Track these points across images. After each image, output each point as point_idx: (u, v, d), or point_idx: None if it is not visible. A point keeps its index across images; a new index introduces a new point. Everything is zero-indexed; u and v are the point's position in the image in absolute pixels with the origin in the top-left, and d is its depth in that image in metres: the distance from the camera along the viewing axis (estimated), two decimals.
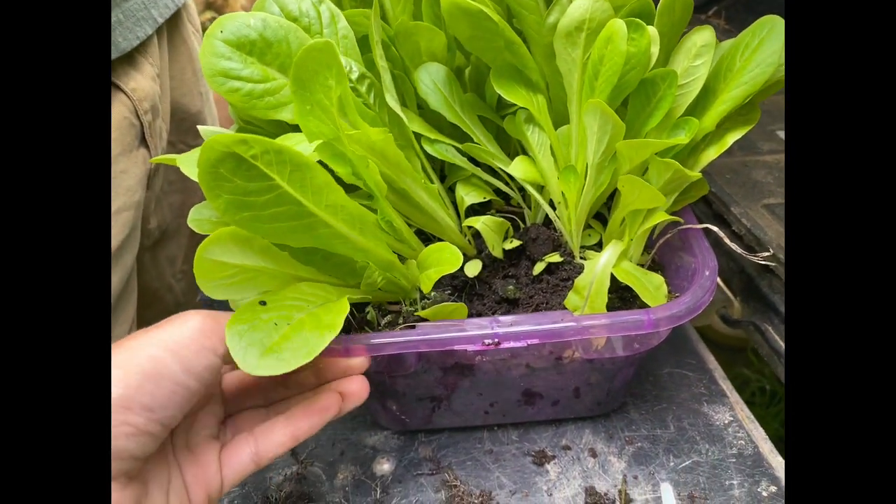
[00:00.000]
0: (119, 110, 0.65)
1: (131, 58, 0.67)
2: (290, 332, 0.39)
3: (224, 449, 0.44)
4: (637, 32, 0.45)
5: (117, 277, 0.65)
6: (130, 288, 0.70)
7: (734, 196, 0.77)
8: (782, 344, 0.65)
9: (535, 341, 0.45)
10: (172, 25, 0.76)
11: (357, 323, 0.51)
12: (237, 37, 0.45)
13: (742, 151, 0.90)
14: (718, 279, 0.75)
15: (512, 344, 0.44)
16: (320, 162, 0.43)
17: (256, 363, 0.36)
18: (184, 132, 0.82)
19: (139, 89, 0.67)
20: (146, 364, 0.36)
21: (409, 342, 0.45)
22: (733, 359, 1.42)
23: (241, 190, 0.37)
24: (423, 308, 0.50)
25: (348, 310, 0.42)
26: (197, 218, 0.47)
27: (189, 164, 0.44)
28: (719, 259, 0.77)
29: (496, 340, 0.44)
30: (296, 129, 0.48)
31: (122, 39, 0.64)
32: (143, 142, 0.69)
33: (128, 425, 0.35)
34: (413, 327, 0.46)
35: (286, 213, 0.39)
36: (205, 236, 0.41)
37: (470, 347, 0.45)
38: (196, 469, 0.42)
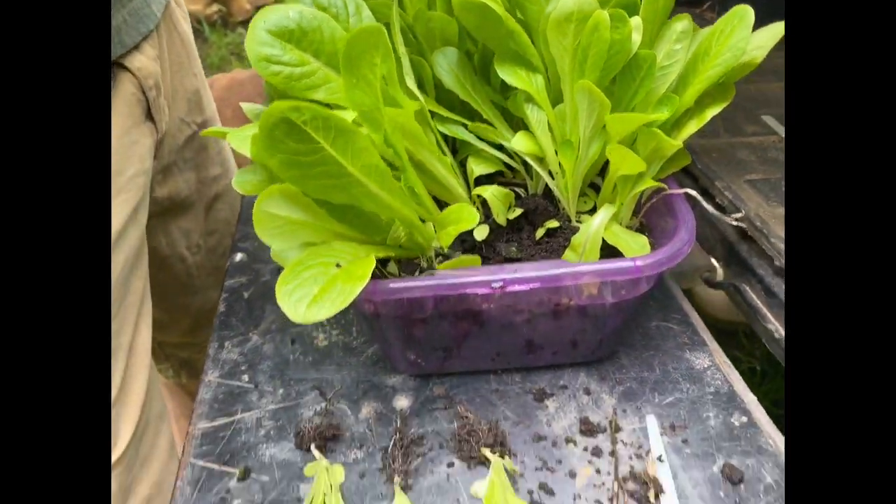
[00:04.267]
0: (126, 87, 0.72)
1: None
2: (328, 285, 0.47)
3: None
4: (620, 22, 0.52)
5: (136, 234, 0.73)
6: (143, 247, 0.77)
7: (719, 172, 0.84)
8: (758, 301, 0.72)
9: (537, 285, 0.52)
10: (165, 14, 0.82)
11: (381, 276, 0.59)
12: (278, 27, 0.52)
13: (728, 134, 0.97)
14: (703, 248, 0.83)
15: (517, 287, 0.52)
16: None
17: (305, 313, 0.44)
18: (188, 111, 0.89)
19: (143, 68, 0.73)
20: None
21: (428, 286, 0.52)
22: (724, 342, 1.50)
23: (292, 150, 0.44)
24: (442, 262, 0.58)
25: (374, 264, 0.50)
26: (241, 180, 0.54)
27: (238, 139, 0.52)
28: (703, 229, 0.85)
29: (503, 284, 0.52)
30: (328, 107, 0.56)
31: (127, 37, 0.71)
32: (150, 116, 0.77)
33: None
34: (432, 276, 0.54)
35: (328, 171, 0.46)
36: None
37: (480, 290, 0.52)
38: None
